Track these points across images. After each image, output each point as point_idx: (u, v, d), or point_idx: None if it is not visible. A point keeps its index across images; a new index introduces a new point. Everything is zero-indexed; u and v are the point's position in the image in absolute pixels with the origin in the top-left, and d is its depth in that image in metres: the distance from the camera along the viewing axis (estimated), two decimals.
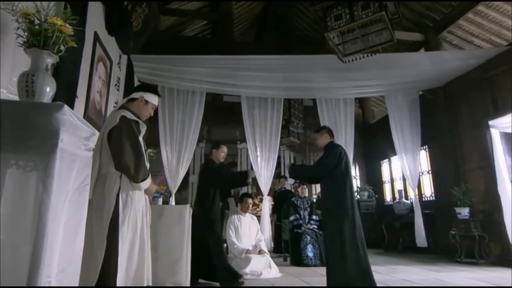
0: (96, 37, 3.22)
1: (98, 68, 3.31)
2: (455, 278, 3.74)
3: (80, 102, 2.91)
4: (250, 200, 4.63)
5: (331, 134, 3.51)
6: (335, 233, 3.06)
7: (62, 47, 1.77)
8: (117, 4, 3.59)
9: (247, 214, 4.59)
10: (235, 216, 4.51)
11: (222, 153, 3.81)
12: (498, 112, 5.03)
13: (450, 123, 6.01)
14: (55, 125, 1.43)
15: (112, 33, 3.72)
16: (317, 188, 8.29)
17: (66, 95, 2.39)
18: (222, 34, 6.95)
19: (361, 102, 9.08)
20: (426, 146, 6.63)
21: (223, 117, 7.58)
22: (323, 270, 4.41)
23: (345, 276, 2.89)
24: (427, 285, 3.43)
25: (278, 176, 7.14)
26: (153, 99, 2.31)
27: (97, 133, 2.14)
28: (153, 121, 5.87)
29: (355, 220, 3.08)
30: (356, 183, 8.55)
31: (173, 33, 7.36)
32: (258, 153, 6.09)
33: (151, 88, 2.36)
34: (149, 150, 4.34)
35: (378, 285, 3.17)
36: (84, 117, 2.98)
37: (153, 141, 5.72)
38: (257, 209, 7.52)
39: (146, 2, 4.30)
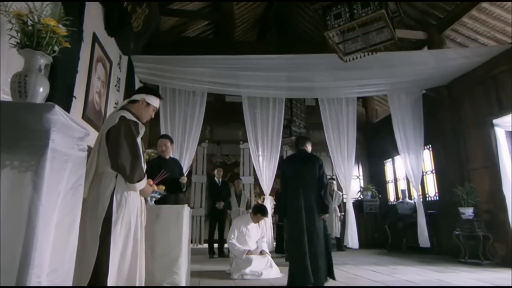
0: (95, 38, 3.23)
1: (97, 68, 3.32)
2: (458, 279, 3.68)
3: (78, 103, 2.92)
4: (264, 219, 4.53)
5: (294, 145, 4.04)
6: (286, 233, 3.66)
7: (56, 48, 1.78)
8: (116, 5, 3.60)
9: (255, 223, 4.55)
10: (242, 224, 4.45)
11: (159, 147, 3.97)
12: (503, 110, 4.96)
13: (454, 122, 5.93)
14: (46, 125, 1.43)
15: (112, 34, 3.73)
16: None
17: (62, 95, 2.40)
18: (224, 34, 6.94)
19: (364, 101, 9.03)
20: (430, 146, 6.56)
21: (225, 117, 7.59)
22: None
23: (291, 268, 3.33)
24: (427, 285, 3.38)
25: None
26: (155, 102, 2.31)
27: (92, 133, 2.14)
28: (154, 121, 5.89)
29: (301, 224, 3.32)
30: (359, 183, 8.49)
31: (175, 34, 7.37)
32: (260, 153, 6.08)
33: (153, 91, 2.36)
34: (150, 150, 4.35)
35: (377, 285, 3.14)
36: (82, 117, 3.00)
37: (154, 141, 5.73)
38: None
39: (146, 2, 4.31)
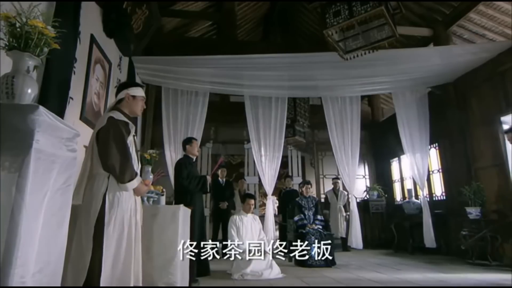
0: (93, 39, 3.26)
1: (95, 70, 3.35)
2: (463, 281, 3.59)
3: (76, 104, 2.95)
4: (252, 201, 4.60)
5: None
6: None
7: (45, 49, 1.79)
8: (115, 6, 3.62)
9: (249, 215, 4.57)
10: (237, 216, 4.48)
11: (196, 148, 3.99)
12: (511, 107, 4.82)
13: (461, 120, 5.80)
14: (30, 126, 1.44)
15: (111, 36, 3.76)
16: (325, 188, 8.18)
17: (57, 96, 2.42)
18: (226, 35, 6.94)
19: (370, 100, 8.90)
20: (436, 144, 6.43)
21: (230, 117, 7.56)
22: (326, 271, 4.36)
23: None
24: (427, 285, 3.31)
25: (286, 176, 7.08)
26: (139, 91, 2.32)
27: (84, 134, 2.15)
28: (157, 122, 5.93)
29: None
30: (365, 182, 8.40)
31: (179, 35, 7.39)
32: (263, 153, 6.06)
33: (132, 82, 2.36)
34: (151, 151, 4.37)
35: (376, 285, 3.09)
36: (80, 118, 3.02)
37: (157, 141, 5.77)
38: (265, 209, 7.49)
39: (146, 4, 4.33)
